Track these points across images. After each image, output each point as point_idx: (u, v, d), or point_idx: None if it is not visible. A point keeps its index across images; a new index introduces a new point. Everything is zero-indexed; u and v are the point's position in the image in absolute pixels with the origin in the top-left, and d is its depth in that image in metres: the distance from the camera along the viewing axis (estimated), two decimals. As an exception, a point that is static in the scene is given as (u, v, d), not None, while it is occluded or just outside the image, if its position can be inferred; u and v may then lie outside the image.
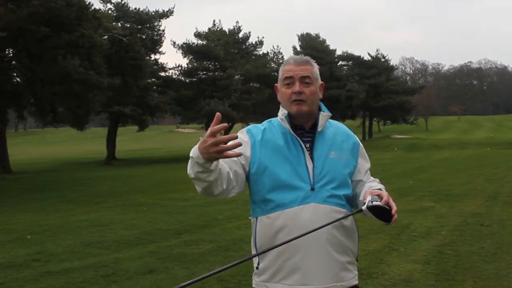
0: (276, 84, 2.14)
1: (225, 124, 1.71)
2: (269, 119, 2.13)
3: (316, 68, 2.07)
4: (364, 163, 2.12)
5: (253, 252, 2.04)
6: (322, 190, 1.95)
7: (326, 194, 1.94)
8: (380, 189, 1.94)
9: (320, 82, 2.09)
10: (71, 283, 5.09)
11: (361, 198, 1.95)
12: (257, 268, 2.02)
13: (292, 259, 1.92)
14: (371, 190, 1.92)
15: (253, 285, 2.05)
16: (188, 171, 1.83)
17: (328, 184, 1.96)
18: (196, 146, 1.74)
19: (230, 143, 1.69)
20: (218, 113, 1.74)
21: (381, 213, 1.82)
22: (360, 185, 2.06)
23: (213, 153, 1.68)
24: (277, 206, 1.94)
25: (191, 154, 1.78)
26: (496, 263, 5.34)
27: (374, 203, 1.82)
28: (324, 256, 1.92)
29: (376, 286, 4.72)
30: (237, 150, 1.73)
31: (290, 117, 2.03)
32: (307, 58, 2.08)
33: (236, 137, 1.75)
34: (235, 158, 1.90)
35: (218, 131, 1.67)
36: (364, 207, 1.83)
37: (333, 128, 2.11)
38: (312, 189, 1.94)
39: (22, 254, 6.46)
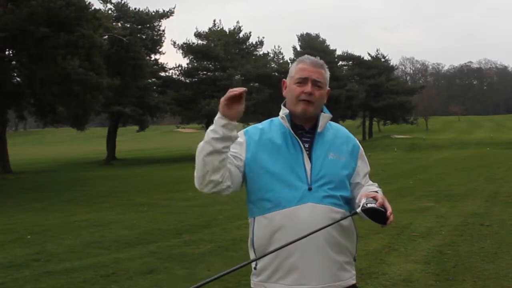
0: (284, 79, 2.14)
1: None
2: (271, 119, 2.14)
3: (328, 73, 2.10)
4: (364, 166, 2.12)
5: (251, 252, 2.04)
6: (319, 190, 1.95)
7: (323, 194, 1.95)
8: (376, 192, 1.94)
9: (328, 88, 2.10)
10: (71, 283, 5.09)
11: (357, 201, 1.96)
12: (255, 268, 2.02)
13: (289, 259, 1.92)
14: (366, 192, 1.93)
15: (252, 285, 2.05)
16: (207, 138, 1.87)
17: (325, 184, 1.96)
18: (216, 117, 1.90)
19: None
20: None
21: (376, 215, 1.83)
22: (358, 187, 2.06)
23: (226, 105, 1.88)
24: (274, 206, 1.94)
25: (211, 127, 1.89)
26: (496, 263, 5.34)
27: (369, 205, 1.83)
28: (321, 256, 1.93)
29: (376, 286, 4.72)
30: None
31: (291, 117, 2.04)
32: (322, 62, 2.09)
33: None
34: (230, 160, 1.95)
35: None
36: (358, 210, 1.84)
37: (333, 130, 2.11)
38: (309, 189, 1.94)
39: (22, 254, 6.46)
